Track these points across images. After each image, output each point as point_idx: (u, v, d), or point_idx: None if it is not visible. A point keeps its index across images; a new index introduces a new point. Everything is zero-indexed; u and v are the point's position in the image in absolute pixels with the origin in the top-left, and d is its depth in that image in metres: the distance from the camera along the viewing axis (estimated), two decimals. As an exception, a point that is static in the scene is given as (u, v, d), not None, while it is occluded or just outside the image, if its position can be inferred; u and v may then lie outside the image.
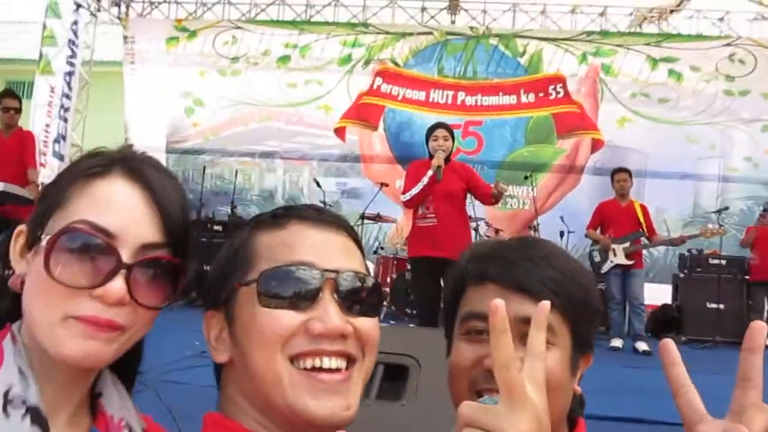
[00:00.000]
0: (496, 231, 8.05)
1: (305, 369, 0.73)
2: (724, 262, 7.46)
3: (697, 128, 8.99)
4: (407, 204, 4.67)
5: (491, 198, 4.66)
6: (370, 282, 0.80)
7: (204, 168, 8.65)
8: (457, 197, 4.56)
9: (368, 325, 0.77)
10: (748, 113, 9.01)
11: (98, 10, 9.84)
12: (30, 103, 8.62)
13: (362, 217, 7.19)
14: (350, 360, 0.76)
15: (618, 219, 6.48)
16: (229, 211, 8.46)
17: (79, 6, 9.36)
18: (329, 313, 0.74)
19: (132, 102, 9.90)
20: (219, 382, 0.82)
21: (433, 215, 4.53)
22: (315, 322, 0.73)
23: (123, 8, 9.98)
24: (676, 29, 9.36)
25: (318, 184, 7.86)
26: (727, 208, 7.45)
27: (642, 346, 6.25)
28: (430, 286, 4.57)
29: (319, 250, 0.77)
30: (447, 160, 4.59)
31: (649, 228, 6.45)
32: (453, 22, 9.76)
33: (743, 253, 7.70)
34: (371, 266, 7.82)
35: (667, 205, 8.36)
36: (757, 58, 9.05)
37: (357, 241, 0.84)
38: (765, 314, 7.38)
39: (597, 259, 6.55)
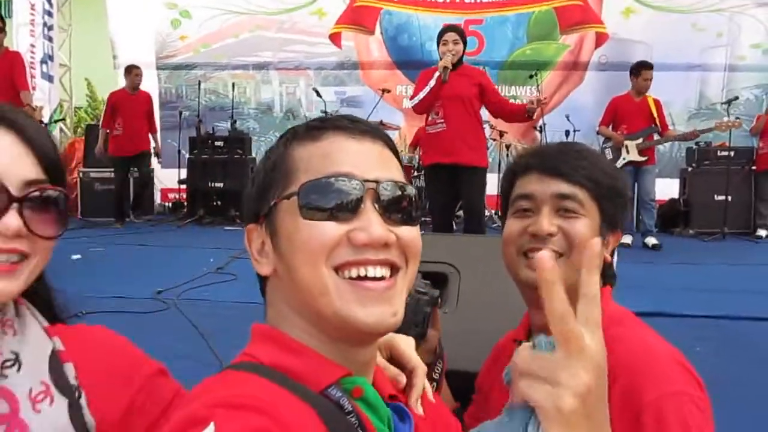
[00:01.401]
0: (501, 133, 7.94)
1: (350, 278, 0.74)
2: (732, 153, 7.38)
3: (704, 16, 8.70)
4: (416, 109, 4.53)
5: (519, 113, 4.56)
6: (410, 191, 0.79)
7: (199, 83, 8.39)
8: (468, 101, 4.41)
9: (410, 233, 0.77)
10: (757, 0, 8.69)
11: None
12: (11, 23, 8.24)
13: (365, 125, 7.07)
14: (394, 268, 0.76)
15: (631, 115, 6.38)
16: (229, 126, 8.29)
17: None
18: (372, 223, 0.74)
19: (116, 17, 9.50)
20: (264, 294, 0.83)
21: (442, 120, 4.41)
22: (358, 232, 0.73)
23: None
24: None
25: (318, 94, 7.66)
26: (736, 98, 7.28)
27: (651, 240, 6.36)
28: (443, 193, 4.52)
29: (357, 161, 0.77)
30: (458, 64, 4.43)
31: (662, 123, 6.35)
32: None
33: (750, 143, 7.62)
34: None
35: (673, 98, 8.19)
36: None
37: (394, 150, 0.83)
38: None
39: (609, 156, 6.48)
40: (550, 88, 8.90)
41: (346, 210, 0.74)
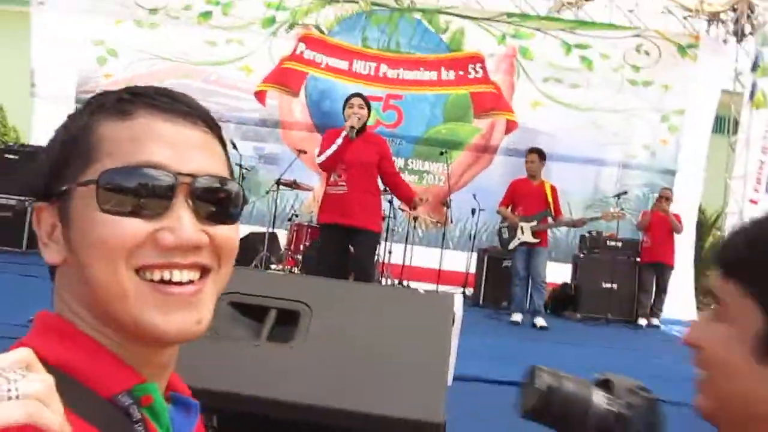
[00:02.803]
0: (421, 200, 8.23)
1: (153, 281, 0.65)
2: (619, 244, 7.97)
3: (603, 115, 9.47)
4: (322, 165, 4.72)
5: (405, 198, 4.94)
6: (231, 186, 0.70)
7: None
8: (369, 167, 4.66)
9: (226, 233, 0.69)
10: (650, 103, 9.57)
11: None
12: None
13: (278, 183, 7.19)
14: (204, 270, 0.68)
15: (528, 198, 6.74)
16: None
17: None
18: (182, 223, 0.65)
19: (39, 46, 9.35)
20: (53, 279, 0.71)
21: (344, 183, 4.60)
22: (165, 233, 0.64)
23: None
24: (590, 17, 9.76)
25: (234, 146, 7.74)
26: (625, 193, 7.96)
27: (540, 321, 6.63)
28: (336, 253, 4.68)
29: (172, 148, 0.66)
30: (362, 130, 4.70)
31: (556, 208, 6.74)
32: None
33: (637, 236, 8.25)
34: (284, 234, 7.84)
35: (572, 188, 8.78)
36: (661, 50, 9.61)
37: (219, 137, 0.73)
38: (652, 294, 7.97)
39: (505, 235, 6.86)
40: (461, 167, 9.37)
41: (154, 206, 0.65)
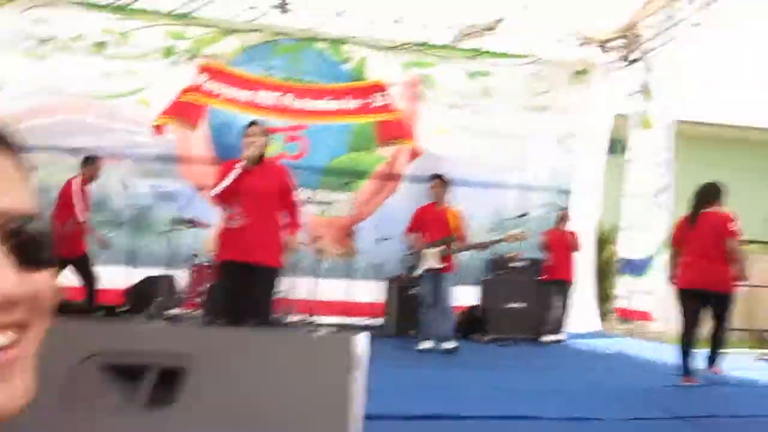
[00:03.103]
0: (315, 238, 8.17)
1: None
2: (524, 264, 8.16)
3: (503, 140, 9.73)
4: (216, 199, 4.49)
5: (290, 233, 4.67)
6: (41, 225, 0.56)
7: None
8: (268, 198, 4.44)
9: (45, 281, 0.56)
10: (546, 128, 9.92)
11: None
12: None
13: (176, 221, 6.96)
14: (20, 328, 0.55)
15: (432, 224, 6.76)
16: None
17: None
18: None
19: None
20: None
21: (242, 216, 4.38)
22: None
23: None
24: (489, 47, 10.04)
25: (124, 187, 7.41)
26: (526, 214, 8.16)
27: (446, 345, 6.64)
28: (237, 293, 4.43)
29: None
30: (260, 160, 4.50)
31: (460, 233, 6.78)
32: (282, 22, 9.67)
33: (540, 255, 8.45)
34: (181, 274, 7.54)
35: (475, 212, 8.89)
36: (556, 77, 10.02)
37: (21, 163, 0.58)
38: (560, 310, 8.19)
39: (411, 263, 6.87)
40: (366, 196, 9.39)
41: None
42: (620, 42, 10.21)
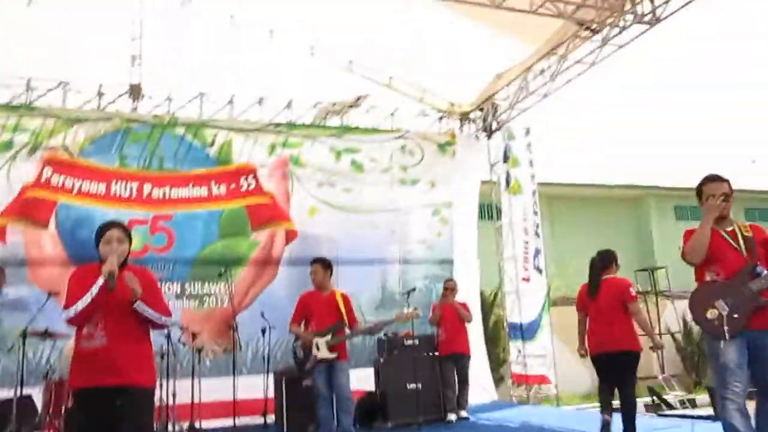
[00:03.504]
0: (193, 335, 7.44)
1: None
2: (417, 341, 7.84)
3: (378, 215, 9.63)
4: (72, 322, 3.64)
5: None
6: None
7: None
8: (130, 309, 3.68)
9: None
10: (420, 199, 9.97)
11: None
12: None
13: (26, 333, 6.03)
14: None
15: (319, 311, 6.27)
16: None
17: None
18: None
19: None
20: None
21: (103, 333, 3.62)
22: None
23: None
24: (355, 123, 10.04)
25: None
26: (414, 289, 7.84)
27: None
28: (100, 426, 3.54)
29: None
30: (123, 265, 3.78)
31: (350, 317, 6.32)
32: (135, 109, 9.10)
33: (433, 330, 8.19)
34: (38, 393, 6.50)
35: (359, 290, 8.63)
36: (424, 150, 10.19)
37: None
38: (460, 385, 7.89)
39: (300, 355, 6.33)
40: (244, 284, 8.82)
41: None
42: (479, 113, 10.63)
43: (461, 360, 7.92)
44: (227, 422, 7.15)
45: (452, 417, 7.68)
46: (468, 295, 8.95)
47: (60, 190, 8.47)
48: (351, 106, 10.04)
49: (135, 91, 9.03)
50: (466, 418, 7.77)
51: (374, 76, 9.55)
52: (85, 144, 8.74)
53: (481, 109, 10.57)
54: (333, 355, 6.14)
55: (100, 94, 8.96)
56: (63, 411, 5.94)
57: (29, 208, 8.27)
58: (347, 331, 6.31)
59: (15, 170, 8.34)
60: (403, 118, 10.28)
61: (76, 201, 8.45)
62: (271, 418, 7.39)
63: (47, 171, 8.48)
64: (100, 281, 3.58)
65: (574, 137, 13.15)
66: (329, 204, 9.50)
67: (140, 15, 8.11)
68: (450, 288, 8.19)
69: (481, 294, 10.48)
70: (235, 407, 6.88)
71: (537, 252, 9.76)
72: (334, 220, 9.38)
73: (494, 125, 10.54)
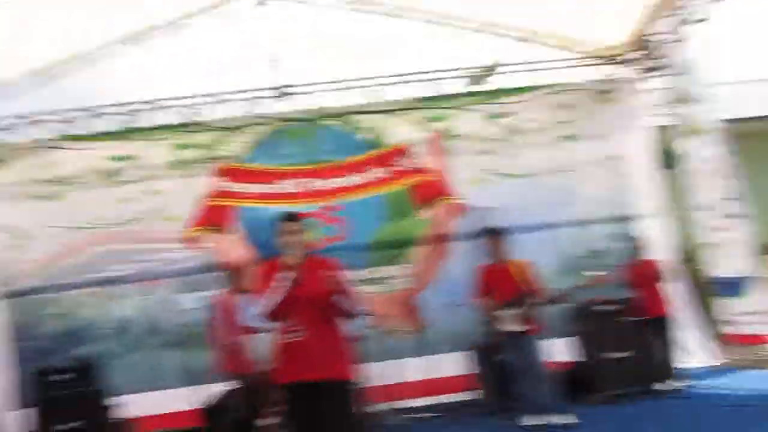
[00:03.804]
0: (381, 319, 7.59)
1: None
2: (614, 306, 7.28)
3: (545, 177, 9.21)
4: (265, 317, 3.72)
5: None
6: None
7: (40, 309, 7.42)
8: (320, 301, 3.72)
9: None
10: (586, 155, 9.38)
11: None
12: None
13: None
14: None
15: (500, 283, 6.11)
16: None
17: None
18: None
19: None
20: None
21: (298, 327, 3.68)
22: None
23: None
24: (503, 84, 9.61)
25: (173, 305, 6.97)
26: (601, 251, 7.39)
27: (559, 419, 5.82)
28: (318, 416, 3.62)
29: None
30: (306, 256, 3.82)
31: (533, 287, 6.11)
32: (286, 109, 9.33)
33: (625, 294, 7.57)
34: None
35: (536, 258, 8.26)
36: (581, 102, 9.56)
37: None
38: (666, 351, 7.31)
39: (489, 329, 6.20)
40: (421, 263, 8.85)
41: None
42: (636, 54, 9.79)
43: (663, 323, 7.36)
44: (425, 401, 7.24)
45: (662, 386, 7.06)
46: (659, 251, 8.31)
47: (236, 195, 9.00)
48: (489, 73, 9.60)
49: (282, 93, 9.26)
50: (679, 389, 7.09)
51: (512, 33, 9.15)
52: (248, 150, 9.17)
53: (637, 49, 9.71)
54: (522, 328, 5.94)
55: (253, 99, 9.24)
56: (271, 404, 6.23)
57: (213, 217, 8.87)
58: (532, 300, 6.07)
59: (193, 184, 8.94)
60: (551, 73, 9.72)
61: (254, 204, 8.92)
62: (467, 395, 7.35)
63: (221, 180, 8.98)
64: (285, 275, 3.66)
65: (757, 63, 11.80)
66: (491, 172, 9.25)
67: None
68: (639, 246, 7.66)
69: (677, 249, 9.57)
70: (431, 386, 6.90)
71: (734, 197, 8.74)
72: (499, 188, 9.11)
73: (655, 63, 9.65)
